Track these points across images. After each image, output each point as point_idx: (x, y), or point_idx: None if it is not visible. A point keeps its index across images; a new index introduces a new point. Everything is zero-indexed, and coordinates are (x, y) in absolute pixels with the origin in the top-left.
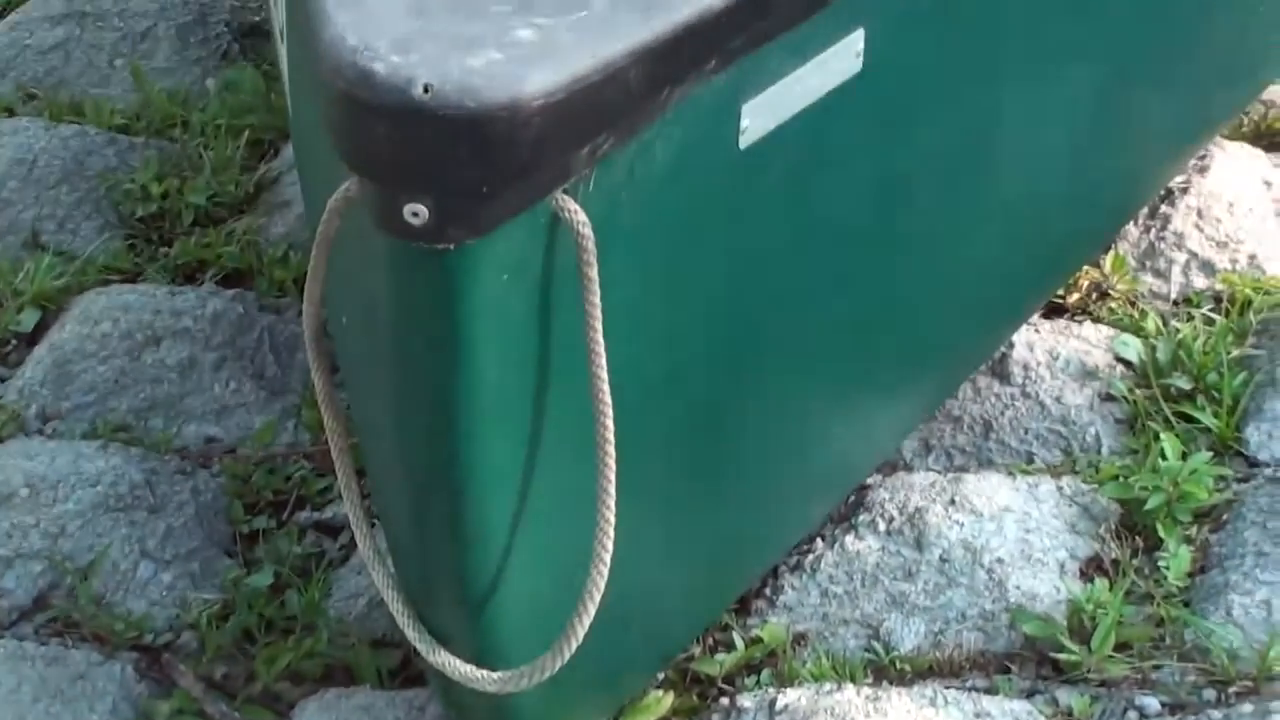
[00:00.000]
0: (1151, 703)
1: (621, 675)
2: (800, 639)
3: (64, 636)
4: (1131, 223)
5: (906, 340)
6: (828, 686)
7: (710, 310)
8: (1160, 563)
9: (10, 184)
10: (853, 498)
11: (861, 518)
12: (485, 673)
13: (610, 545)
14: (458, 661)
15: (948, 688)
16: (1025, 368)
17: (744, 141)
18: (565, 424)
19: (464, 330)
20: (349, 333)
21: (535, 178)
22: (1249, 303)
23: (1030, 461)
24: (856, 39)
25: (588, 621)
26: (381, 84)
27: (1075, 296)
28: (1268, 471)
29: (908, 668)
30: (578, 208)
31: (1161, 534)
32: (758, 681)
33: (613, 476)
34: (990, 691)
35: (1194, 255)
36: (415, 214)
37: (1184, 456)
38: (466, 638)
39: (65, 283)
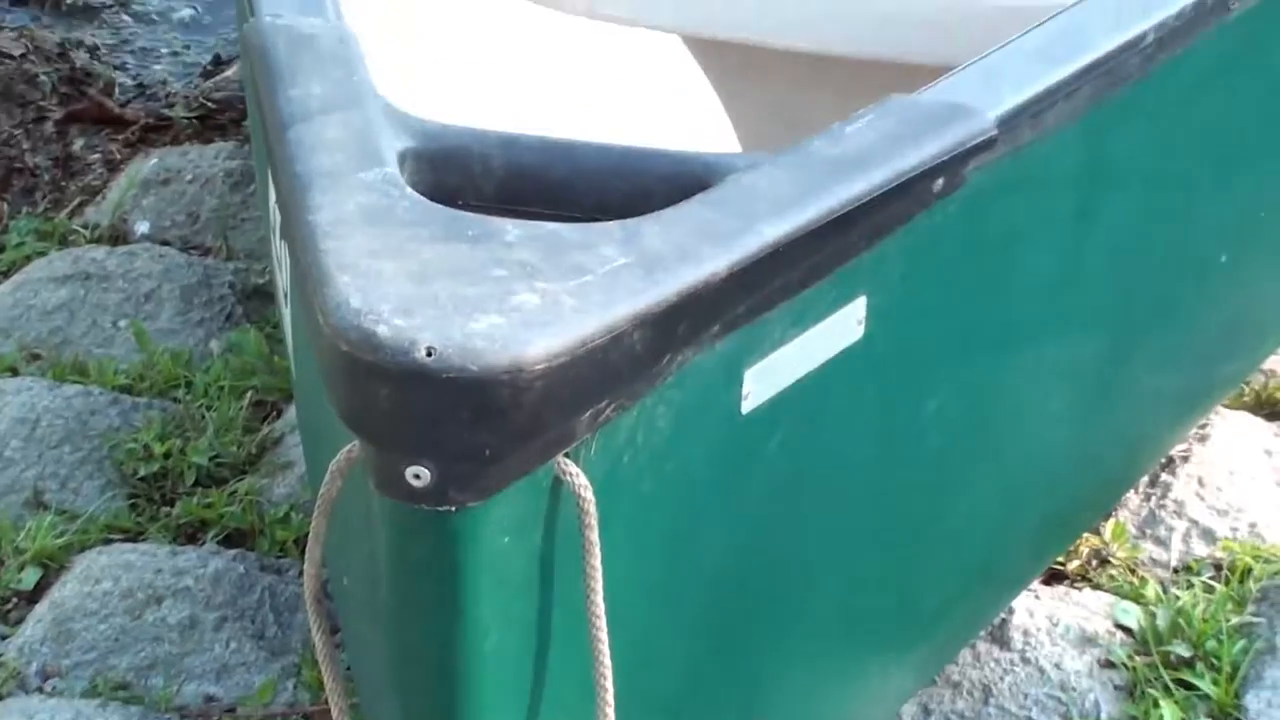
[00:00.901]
0: None
1: None
2: None
3: None
4: (1133, 490)
5: (906, 604)
6: None
7: (711, 573)
8: None
9: (13, 443)
10: None
11: None
12: None
13: None
14: None
15: None
16: (1025, 633)
17: (746, 406)
18: (566, 686)
19: (465, 592)
20: (350, 593)
21: (538, 442)
22: (1249, 570)
23: None
24: (858, 307)
25: None
26: (384, 346)
27: (1076, 563)
28: None
29: None
30: (579, 471)
31: None
32: None
33: None
34: None
35: (1194, 523)
36: (417, 476)
37: None
38: None
39: (67, 541)
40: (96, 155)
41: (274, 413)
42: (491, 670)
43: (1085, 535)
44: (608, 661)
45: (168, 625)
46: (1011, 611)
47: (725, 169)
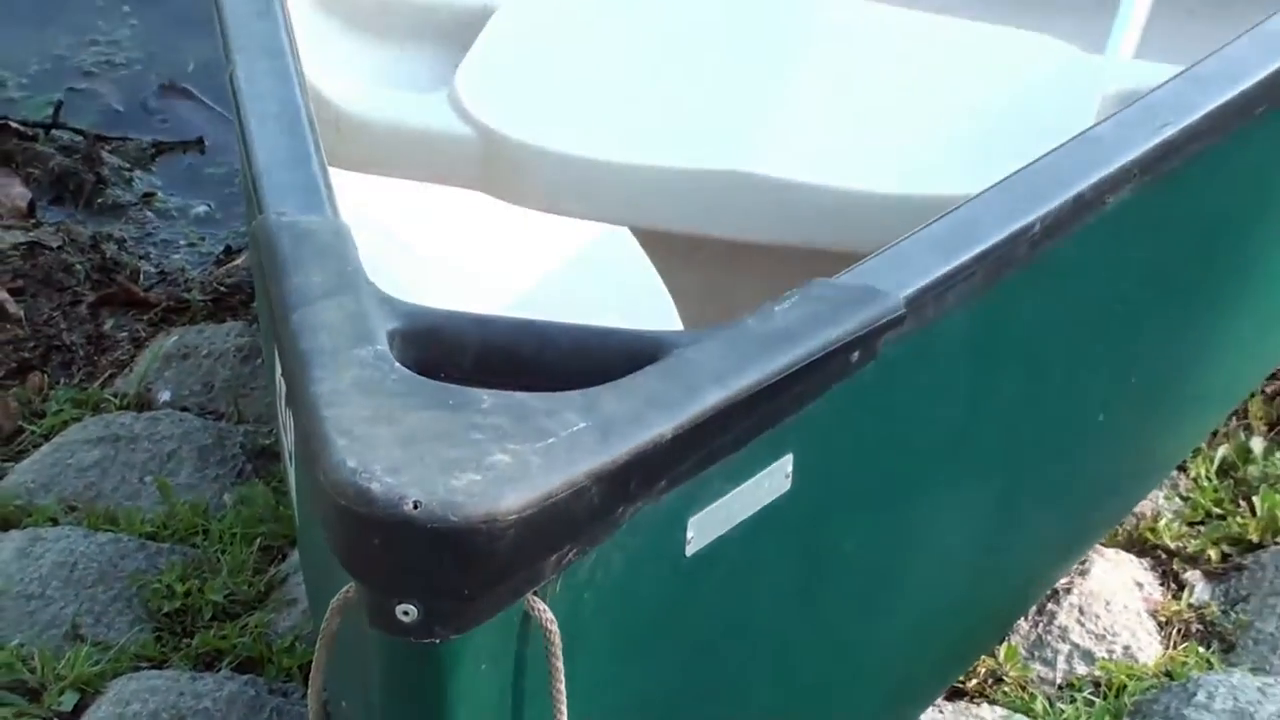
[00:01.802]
0: None
1: None
2: None
3: None
4: (1023, 618)
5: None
6: None
7: (663, 694)
8: None
9: (53, 584)
10: None
11: None
12: None
13: None
14: None
15: None
16: None
17: (689, 550)
18: None
19: (448, 715)
20: (348, 714)
21: (510, 582)
22: (1124, 687)
23: None
24: (786, 463)
25: None
26: (377, 500)
27: (974, 681)
28: None
29: None
30: (546, 607)
31: None
32: None
33: None
34: None
35: (1076, 646)
36: (406, 613)
37: None
38: None
39: (101, 669)
40: (124, 333)
41: (280, 556)
42: None
43: (983, 657)
44: None
45: None
46: None
47: (670, 344)
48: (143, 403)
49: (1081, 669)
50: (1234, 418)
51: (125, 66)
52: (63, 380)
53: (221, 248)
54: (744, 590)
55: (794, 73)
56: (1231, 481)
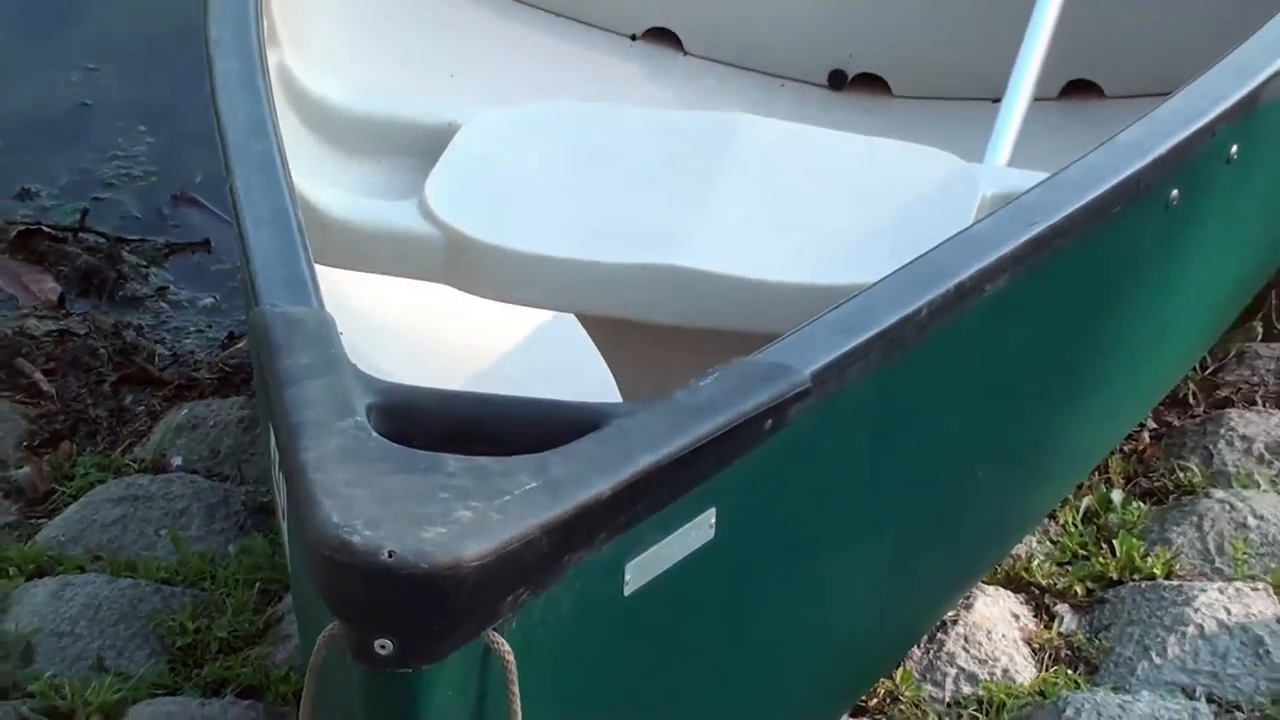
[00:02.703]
0: None
1: None
2: None
3: None
4: (917, 646)
5: None
6: None
7: (608, 714)
8: None
9: (81, 623)
10: None
11: None
12: None
13: None
14: None
15: None
16: None
17: (627, 591)
18: None
19: None
20: None
21: (472, 620)
22: (1003, 704)
23: None
24: (710, 515)
25: None
26: (357, 551)
27: (875, 700)
28: None
29: None
30: (503, 641)
31: None
32: None
33: None
34: None
35: (962, 670)
36: (383, 647)
37: None
38: None
39: (122, 696)
40: (142, 407)
41: (276, 598)
42: None
43: (882, 680)
44: None
45: None
46: None
47: (610, 415)
48: (158, 467)
49: (967, 689)
50: (1096, 472)
51: (142, 179)
52: (89, 448)
53: (225, 334)
54: (675, 625)
55: (718, 182)
56: (1095, 527)
